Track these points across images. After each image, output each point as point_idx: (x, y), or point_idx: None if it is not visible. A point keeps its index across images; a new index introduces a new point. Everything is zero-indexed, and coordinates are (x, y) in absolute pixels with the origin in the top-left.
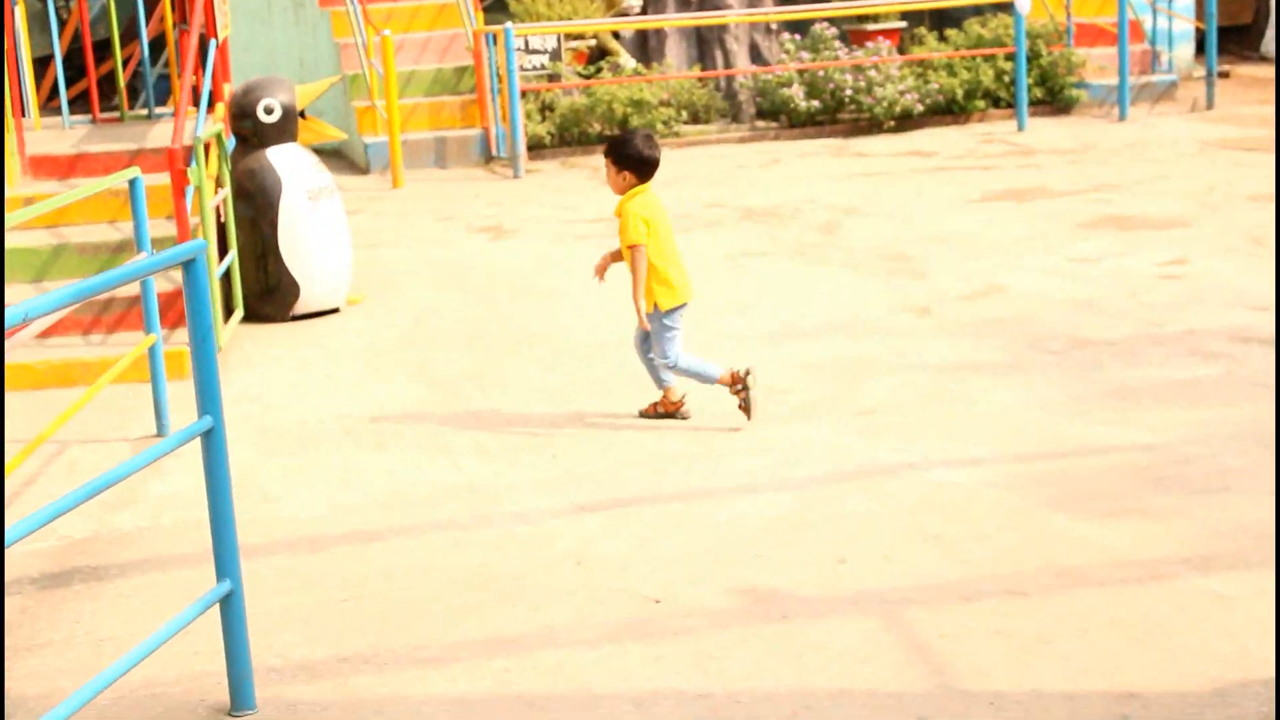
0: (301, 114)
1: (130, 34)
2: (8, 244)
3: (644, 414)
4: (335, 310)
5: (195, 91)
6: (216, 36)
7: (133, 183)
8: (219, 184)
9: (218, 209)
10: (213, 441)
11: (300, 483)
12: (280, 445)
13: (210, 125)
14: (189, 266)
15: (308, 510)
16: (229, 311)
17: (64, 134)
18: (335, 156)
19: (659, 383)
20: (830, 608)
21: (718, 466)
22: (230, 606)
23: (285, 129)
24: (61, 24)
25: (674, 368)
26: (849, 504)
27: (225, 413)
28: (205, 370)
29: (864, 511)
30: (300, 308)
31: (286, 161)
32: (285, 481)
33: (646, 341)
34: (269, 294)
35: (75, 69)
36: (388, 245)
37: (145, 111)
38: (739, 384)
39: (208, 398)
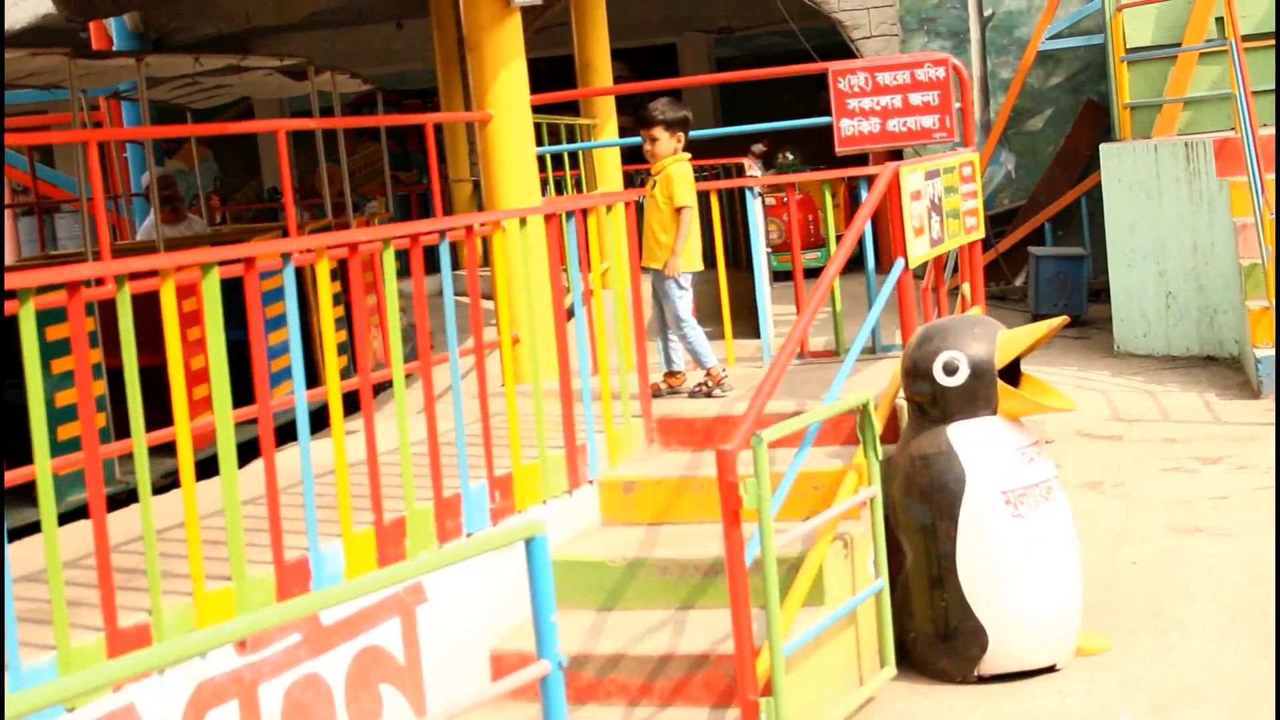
0: (1010, 372)
1: None
2: (577, 555)
3: (672, 389)
4: (1050, 669)
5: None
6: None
7: None
8: (864, 475)
9: (869, 511)
10: None
11: None
12: None
13: (868, 390)
14: None
15: None
16: (885, 660)
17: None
18: (1225, 367)
19: (703, 360)
20: None
21: None
22: None
23: (978, 396)
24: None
25: (683, 325)
26: None
27: None
28: None
29: None
30: (990, 665)
31: (976, 445)
32: None
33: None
34: (943, 641)
35: None
36: (1213, 531)
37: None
38: (716, 382)
39: None
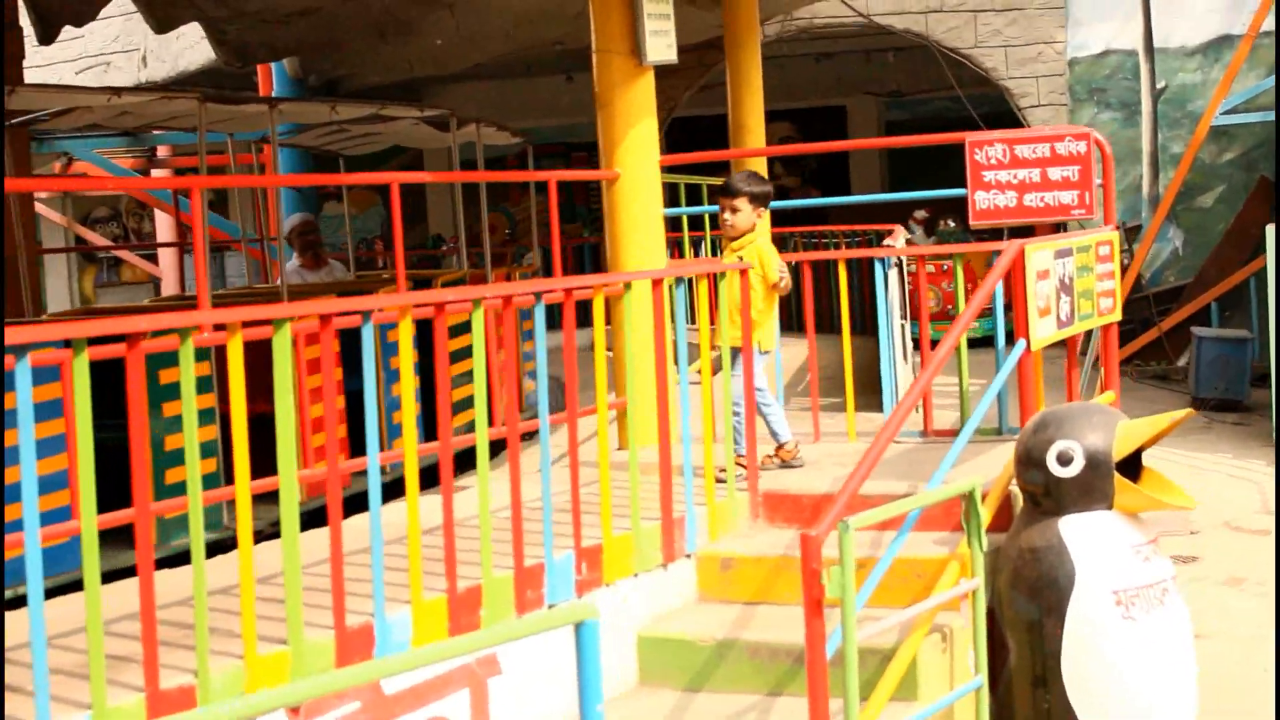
0: (1130, 465)
1: None
2: (665, 632)
3: (785, 463)
4: None
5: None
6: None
7: None
8: (967, 566)
9: (971, 604)
10: None
11: None
12: None
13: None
14: None
15: None
16: None
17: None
18: None
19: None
20: None
21: None
22: None
23: (1093, 488)
24: None
25: (738, 405)
26: None
27: None
28: None
29: None
30: None
31: (1088, 541)
32: None
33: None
34: None
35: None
36: None
37: None
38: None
39: None
